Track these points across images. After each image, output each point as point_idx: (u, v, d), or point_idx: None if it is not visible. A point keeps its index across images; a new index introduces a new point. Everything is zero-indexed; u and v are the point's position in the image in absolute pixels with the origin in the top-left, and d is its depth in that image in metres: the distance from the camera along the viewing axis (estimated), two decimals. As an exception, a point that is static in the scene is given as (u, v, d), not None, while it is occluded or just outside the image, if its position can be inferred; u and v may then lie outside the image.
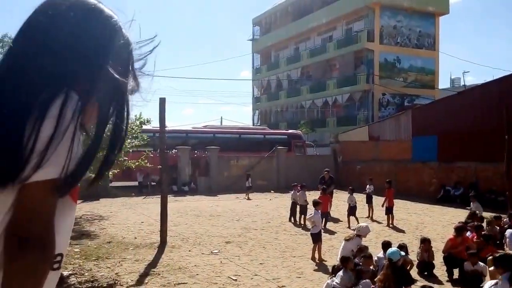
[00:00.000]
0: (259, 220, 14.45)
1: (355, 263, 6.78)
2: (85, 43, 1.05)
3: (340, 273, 6.46)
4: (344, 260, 6.66)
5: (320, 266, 8.79)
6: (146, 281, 7.58)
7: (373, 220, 14.40)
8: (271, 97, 51.87)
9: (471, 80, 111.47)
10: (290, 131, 33.59)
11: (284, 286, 7.46)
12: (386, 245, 7.70)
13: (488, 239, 8.87)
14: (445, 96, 27.30)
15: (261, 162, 25.67)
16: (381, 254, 7.65)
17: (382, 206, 14.10)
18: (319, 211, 9.79)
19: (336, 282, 6.41)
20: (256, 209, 17.25)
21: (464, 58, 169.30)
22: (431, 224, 13.78)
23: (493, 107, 17.74)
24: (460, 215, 14.92)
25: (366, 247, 7.76)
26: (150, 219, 14.30)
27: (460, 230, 8.32)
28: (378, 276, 5.65)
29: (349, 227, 12.99)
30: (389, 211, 13.74)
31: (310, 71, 46.39)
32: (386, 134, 24.52)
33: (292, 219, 14.15)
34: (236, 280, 7.74)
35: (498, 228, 10.25)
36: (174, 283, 7.49)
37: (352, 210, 13.71)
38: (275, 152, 26.15)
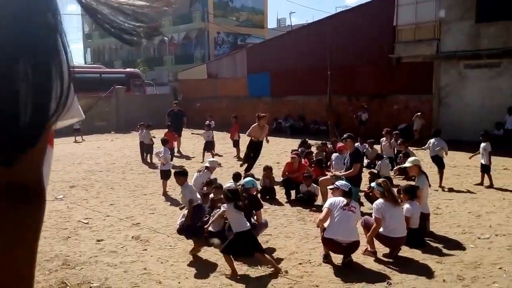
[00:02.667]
0: (103, 162, 13.79)
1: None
2: None
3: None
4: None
5: (173, 200, 8.88)
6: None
7: (215, 154, 14.89)
8: (104, 34, 47.65)
9: (295, 21, 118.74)
10: (128, 69, 31.88)
11: (139, 223, 7.39)
12: (236, 175, 8.15)
13: (318, 162, 9.99)
14: (273, 35, 28.73)
15: (99, 103, 24.10)
16: (230, 184, 8.06)
17: (232, 138, 14.63)
18: (168, 148, 9.73)
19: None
20: (98, 151, 16.38)
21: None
22: (267, 153, 14.81)
23: (317, 46, 19.37)
24: (290, 143, 16.36)
25: (215, 179, 8.07)
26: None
27: (296, 156, 9.17)
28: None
29: (202, 161, 13.12)
30: (236, 144, 14.36)
31: (144, 7, 44.01)
32: (224, 72, 25.05)
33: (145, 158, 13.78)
34: (87, 223, 7.40)
35: (324, 153, 11.57)
36: (18, 234, 6.81)
37: (208, 145, 13.93)
38: (114, 91, 24.75)
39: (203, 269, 5.42)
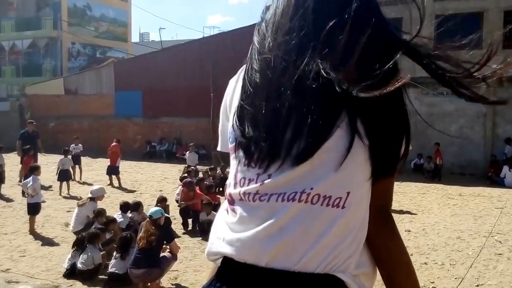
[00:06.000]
0: None
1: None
2: None
3: (88, 252, 6.05)
4: (94, 236, 6.26)
5: (44, 239, 8.01)
6: None
7: (82, 183, 13.88)
8: None
9: (161, 36, 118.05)
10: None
11: (9, 269, 6.49)
12: (124, 206, 7.77)
13: (209, 189, 10.00)
14: (137, 49, 28.22)
15: None
16: (118, 216, 7.58)
17: (113, 164, 13.61)
18: (38, 176, 8.77)
19: (81, 262, 5.99)
20: None
21: (158, 15, 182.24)
22: (146, 181, 14.32)
23: (197, 65, 19.47)
24: (169, 169, 16.11)
25: (104, 210, 7.52)
26: None
27: (190, 184, 9.05)
28: (140, 235, 5.61)
29: (60, 193, 12.05)
30: (113, 171, 13.50)
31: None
32: (86, 88, 23.69)
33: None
34: None
35: (212, 178, 11.60)
36: None
37: (64, 175, 12.51)
38: None
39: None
